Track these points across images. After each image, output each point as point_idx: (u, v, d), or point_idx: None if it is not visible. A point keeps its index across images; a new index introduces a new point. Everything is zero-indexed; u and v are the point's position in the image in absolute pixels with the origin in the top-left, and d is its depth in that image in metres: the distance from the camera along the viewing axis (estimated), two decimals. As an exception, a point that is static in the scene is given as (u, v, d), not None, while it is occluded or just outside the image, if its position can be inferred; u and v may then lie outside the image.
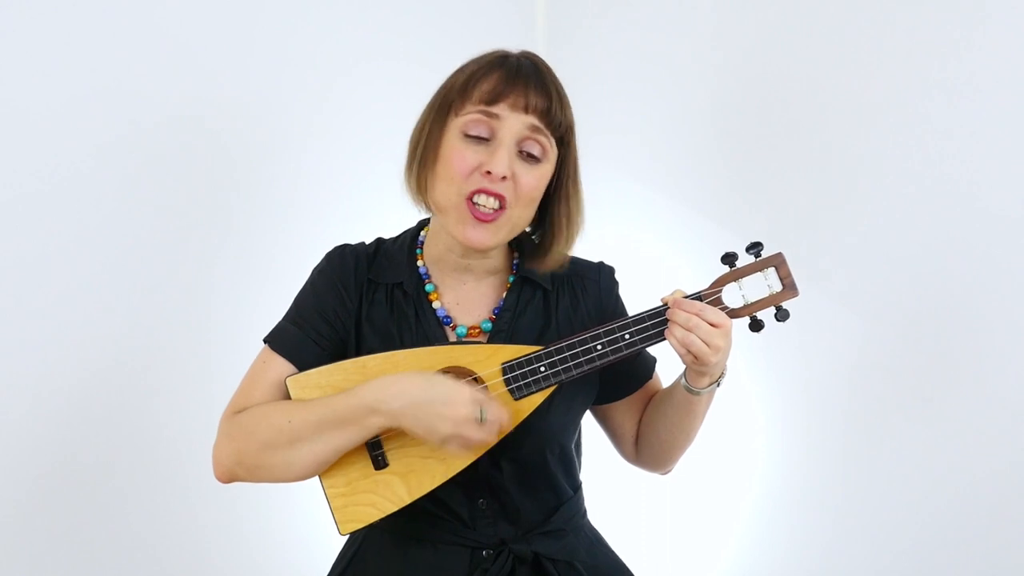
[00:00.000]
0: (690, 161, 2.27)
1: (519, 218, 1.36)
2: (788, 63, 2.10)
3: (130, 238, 1.88)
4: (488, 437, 1.28)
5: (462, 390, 1.27)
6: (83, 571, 1.85)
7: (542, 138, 1.34)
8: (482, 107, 1.32)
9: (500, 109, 1.32)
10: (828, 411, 2.07)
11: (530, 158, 1.34)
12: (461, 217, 1.34)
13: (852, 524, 2.03)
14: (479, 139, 1.33)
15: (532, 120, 1.33)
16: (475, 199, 1.33)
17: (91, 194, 1.83)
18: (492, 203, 1.33)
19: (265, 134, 2.07)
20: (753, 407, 2.16)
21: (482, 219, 1.33)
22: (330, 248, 1.47)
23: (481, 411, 1.26)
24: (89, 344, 1.84)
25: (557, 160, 1.37)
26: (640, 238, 2.32)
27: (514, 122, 1.32)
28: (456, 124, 1.34)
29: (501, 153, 1.31)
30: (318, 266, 1.46)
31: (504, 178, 1.31)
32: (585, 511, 1.50)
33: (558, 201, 1.40)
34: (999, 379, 1.83)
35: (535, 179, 1.34)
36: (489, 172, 1.31)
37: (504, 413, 1.30)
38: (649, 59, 2.33)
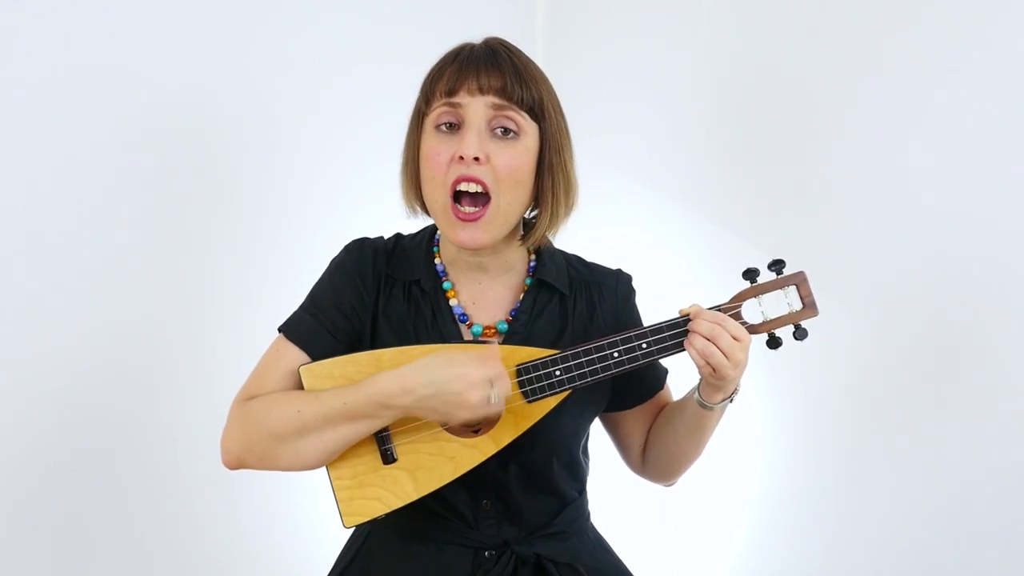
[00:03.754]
0: (692, 162, 2.27)
1: (508, 205, 1.36)
2: (790, 64, 2.11)
3: (128, 234, 1.88)
4: (501, 410, 1.29)
5: (468, 375, 1.26)
6: (84, 570, 1.85)
7: (510, 113, 1.35)
8: (445, 99, 1.34)
9: (460, 97, 1.34)
10: (828, 415, 2.08)
11: (504, 134, 1.35)
12: (448, 222, 1.36)
13: (855, 529, 2.03)
14: (450, 131, 1.35)
15: (491, 99, 1.34)
16: (459, 188, 1.34)
17: (89, 188, 1.82)
18: (473, 188, 1.33)
19: (265, 131, 2.07)
20: (754, 412, 2.16)
21: (467, 219, 1.34)
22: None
23: (491, 393, 1.27)
24: (88, 340, 1.84)
25: (540, 136, 1.38)
26: (640, 239, 2.32)
27: (476, 105, 1.34)
28: (428, 123, 1.37)
29: (470, 135, 1.33)
30: (336, 258, 1.46)
31: (477, 159, 1.32)
32: (589, 515, 1.51)
33: (544, 176, 1.40)
34: (1000, 383, 1.84)
35: (512, 157, 1.35)
36: (461, 157, 1.32)
37: (507, 383, 1.30)
38: (649, 59, 2.33)
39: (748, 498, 2.22)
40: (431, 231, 1.49)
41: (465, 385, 1.26)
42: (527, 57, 1.40)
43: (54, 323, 1.80)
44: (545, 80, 1.40)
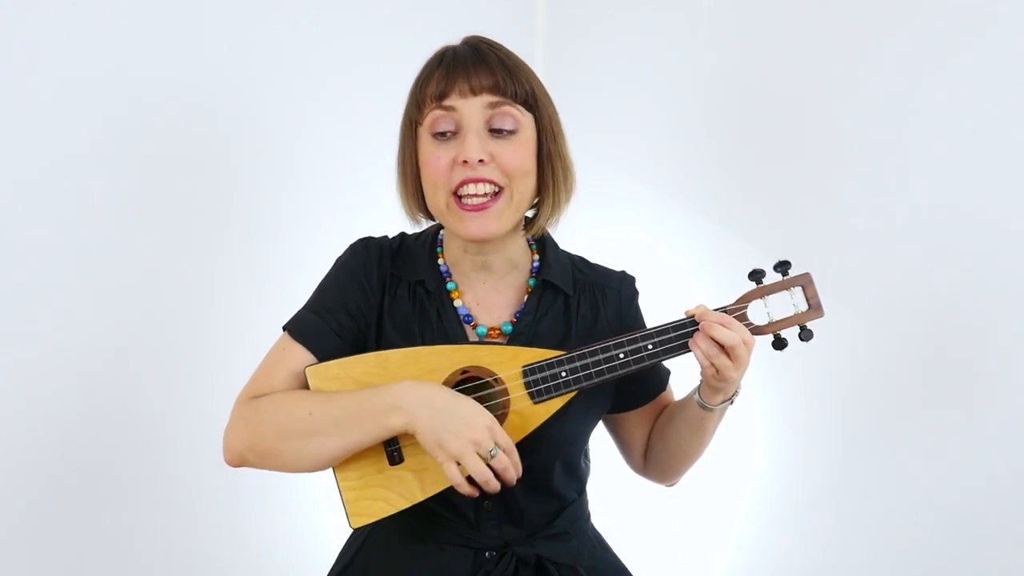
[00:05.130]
0: (692, 162, 2.27)
1: (520, 194, 1.37)
2: (790, 63, 2.10)
3: (127, 233, 1.87)
4: (483, 474, 1.27)
5: (484, 417, 1.27)
6: (84, 570, 1.85)
7: (507, 108, 1.35)
8: (436, 104, 1.34)
9: (452, 100, 1.34)
10: (829, 415, 2.07)
11: (503, 133, 1.35)
12: (455, 216, 1.36)
13: (855, 529, 2.03)
14: (448, 135, 1.35)
15: (485, 98, 1.34)
16: (461, 192, 1.34)
17: (88, 188, 1.82)
18: (483, 189, 1.34)
19: (265, 130, 2.06)
20: (755, 412, 2.16)
21: (474, 209, 1.34)
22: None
23: (494, 447, 1.26)
24: (88, 340, 1.84)
25: (536, 126, 1.39)
26: (640, 239, 2.32)
27: (470, 107, 1.34)
28: (423, 130, 1.37)
29: (470, 138, 1.33)
30: (341, 257, 1.46)
31: (482, 161, 1.33)
32: (589, 515, 1.51)
33: (543, 164, 1.40)
34: (1000, 383, 1.83)
35: (515, 151, 1.35)
36: (465, 161, 1.32)
37: (513, 469, 1.28)
38: (649, 59, 2.33)
39: (748, 498, 2.22)
40: (435, 231, 1.49)
41: (478, 421, 1.26)
42: (509, 50, 1.40)
43: (54, 323, 1.79)
44: (530, 70, 1.40)
